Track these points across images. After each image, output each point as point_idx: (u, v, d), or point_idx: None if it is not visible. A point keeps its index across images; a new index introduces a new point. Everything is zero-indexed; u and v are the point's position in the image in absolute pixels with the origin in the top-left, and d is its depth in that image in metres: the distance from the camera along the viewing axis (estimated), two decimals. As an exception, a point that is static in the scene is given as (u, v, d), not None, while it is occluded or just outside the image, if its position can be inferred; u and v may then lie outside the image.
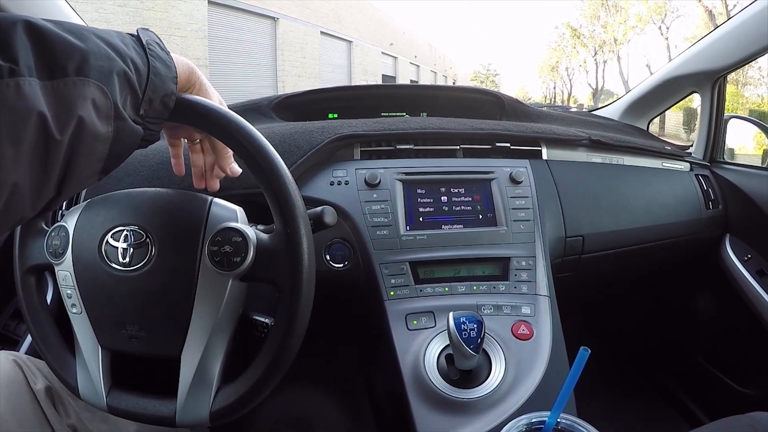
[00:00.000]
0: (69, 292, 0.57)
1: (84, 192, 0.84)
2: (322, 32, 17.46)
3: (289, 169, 0.54)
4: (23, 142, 0.34)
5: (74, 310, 0.57)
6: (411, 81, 28.19)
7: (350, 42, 20.27)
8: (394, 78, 26.38)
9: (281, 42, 15.02)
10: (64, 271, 0.57)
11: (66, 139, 0.37)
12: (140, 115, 0.46)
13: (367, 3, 22.17)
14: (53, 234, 0.58)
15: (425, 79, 33.81)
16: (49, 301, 0.85)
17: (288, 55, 15.42)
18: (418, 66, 32.80)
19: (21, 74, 0.34)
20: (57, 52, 0.38)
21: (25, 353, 0.77)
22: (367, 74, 21.82)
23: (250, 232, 0.54)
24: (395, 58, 27.13)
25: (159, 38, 0.52)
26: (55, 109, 0.36)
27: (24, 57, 0.35)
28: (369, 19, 22.20)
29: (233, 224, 0.54)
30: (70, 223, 0.57)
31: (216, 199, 0.57)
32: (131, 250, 0.54)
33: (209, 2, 12.11)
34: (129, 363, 0.59)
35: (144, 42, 0.48)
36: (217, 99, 0.59)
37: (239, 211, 0.58)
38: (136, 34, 0.50)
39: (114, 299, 0.55)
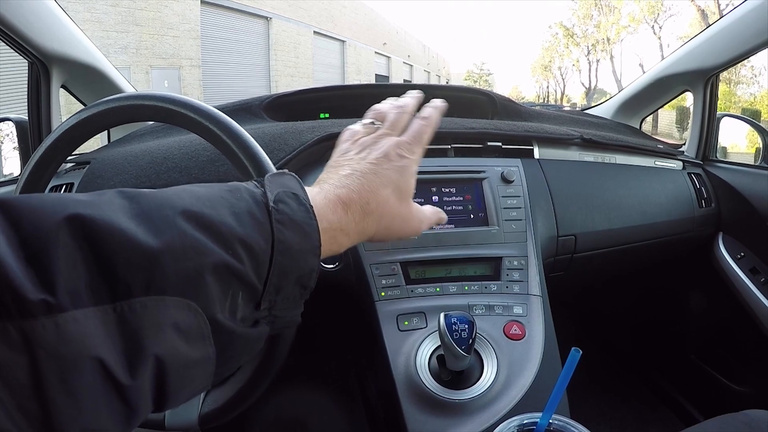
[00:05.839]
0: None
1: (76, 185, 0.83)
2: (315, 32, 17.47)
3: (276, 166, 0.54)
4: (79, 392, 0.24)
5: None
6: (404, 80, 28.22)
7: (343, 42, 20.29)
8: (387, 78, 26.46)
9: (274, 42, 15.02)
10: None
11: (142, 381, 0.26)
12: (262, 310, 0.33)
13: (360, 3, 22.20)
14: None
15: (418, 79, 33.91)
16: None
17: (281, 55, 15.42)
18: (411, 66, 32.90)
19: (62, 309, 0.23)
20: (117, 263, 0.26)
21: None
22: (361, 74, 21.86)
23: None
24: (388, 57, 27.19)
25: (298, 182, 0.38)
26: (118, 347, 0.25)
27: (66, 281, 0.24)
28: (362, 18, 22.23)
29: None
30: None
31: None
32: None
33: (202, 2, 12.10)
34: None
35: (269, 202, 0.33)
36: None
37: None
38: (260, 187, 0.35)
39: None
